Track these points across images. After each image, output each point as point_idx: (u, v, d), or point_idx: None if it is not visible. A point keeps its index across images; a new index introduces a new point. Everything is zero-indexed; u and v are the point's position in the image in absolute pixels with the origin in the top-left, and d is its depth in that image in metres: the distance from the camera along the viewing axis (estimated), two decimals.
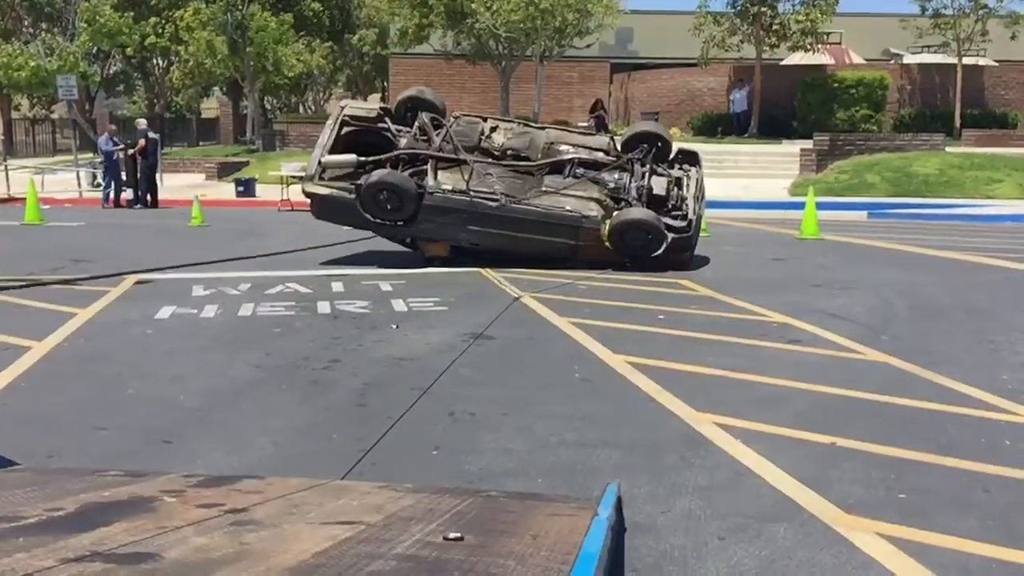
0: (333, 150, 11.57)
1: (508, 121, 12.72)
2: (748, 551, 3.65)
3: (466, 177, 11.20)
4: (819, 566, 3.53)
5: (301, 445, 4.97)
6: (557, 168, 11.37)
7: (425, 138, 11.63)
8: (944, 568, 3.50)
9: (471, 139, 11.68)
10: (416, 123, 11.74)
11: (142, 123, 23.68)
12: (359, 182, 11.06)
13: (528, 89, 31.17)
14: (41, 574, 1.55)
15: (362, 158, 11.43)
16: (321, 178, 11.43)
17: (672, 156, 11.83)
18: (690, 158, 11.97)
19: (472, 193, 10.95)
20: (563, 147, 11.64)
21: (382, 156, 11.43)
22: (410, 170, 11.32)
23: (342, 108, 12.25)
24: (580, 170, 11.36)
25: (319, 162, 11.48)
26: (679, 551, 3.65)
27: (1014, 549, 3.67)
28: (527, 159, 11.46)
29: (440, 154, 11.34)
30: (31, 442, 4.84)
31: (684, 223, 11.08)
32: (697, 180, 11.54)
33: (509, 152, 11.52)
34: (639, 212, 10.75)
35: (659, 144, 11.67)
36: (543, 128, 12.34)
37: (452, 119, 11.85)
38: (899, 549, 3.66)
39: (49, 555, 1.64)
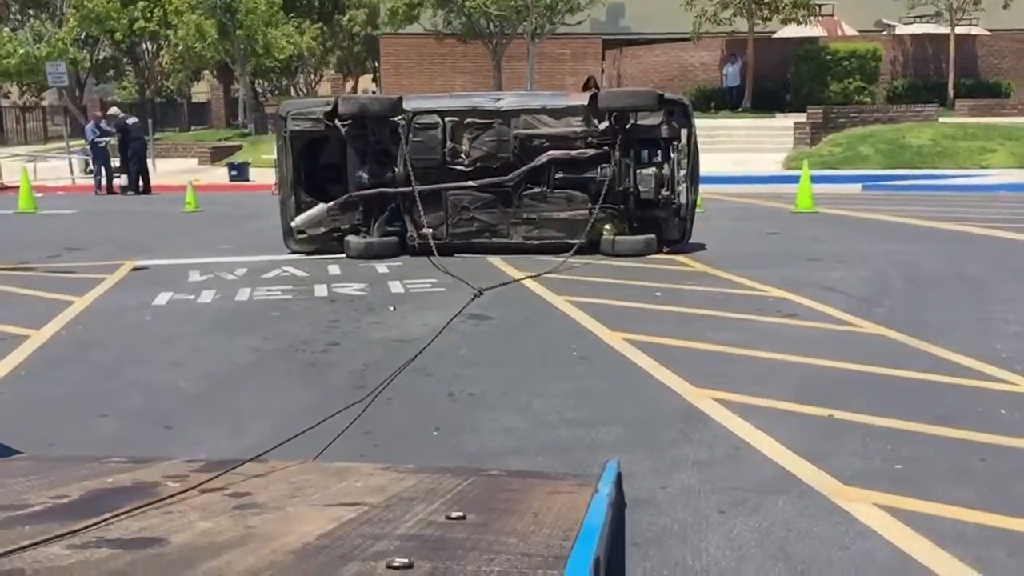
0: (295, 171, 11.03)
1: (461, 99, 11.50)
2: (747, 524, 3.68)
3: (444, 214, 10.77)
4: (817, 537, 3.57)
5: (301, 428, 4.98)
6: (534, 174, 10.75)
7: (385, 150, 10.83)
8: (941, 536, 3.54)
9: (434, 154, 10.73)
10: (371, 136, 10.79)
11: (115, 110, 23.51)
12: (346, 239, 10.85)
13: (520, 67, 31.05)
14: (48, 561, 1.57)
15: (329, 203, 10.87)
16: (301, 232, 11.04)
17: (660, 109, 10.54)
18: (679, 114, 10.64)
19: (455, 243, 10.74)
20: (534, 141, 10.71)
21: (353, 194, 10.80)
22: (386, 215, 10.85)
23: (284, 120, 11.02)
24: (559, 174, 10.72)
25: (292, 227, 11.02)
26: (679, 525, 3.68)
27: (1011, 517, 3.71)
28: (500, 166, 10.71)
29: (412, 188, 10.49)
30: (32, 430, 4.86)
31: (678, 233, 10.75)
32: (689, 151, 10.57)
33: (478, 165, 10.75)
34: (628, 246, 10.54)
35: (639, 112, 10.60)
36: (500, 100, 11.09)
37: (403, 121, 10.70)
38: (896, 519, 3.70)
39: (55, 542, 1.66)
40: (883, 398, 5.29)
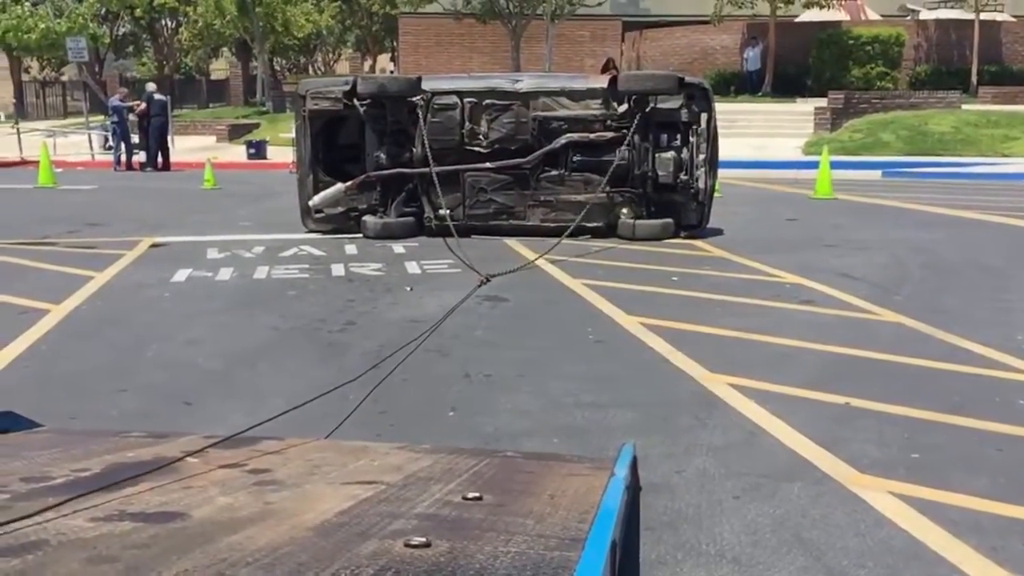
0: (314, 151, 11.07)
1: (480, 80, 11.56)
2: (762, 510, 3.68)
3: (461, 195, 10.77)
4: (832, 524, 3.57)
5: (319, 406, 5.00)
6: (552, 157, 10.73)
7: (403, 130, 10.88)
8: (956, 525, 3.53)
9: (453, 135, 10.74)
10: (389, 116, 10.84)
11: (151, 86, 23.62)
12: (363, 219, 10.88)
13: (539, 48, 30.89)
14: (72, 533, 1.59)
15: (347, 183, 10.84)
16: (319, 211, 11.06)
17: (680, 92, 10.53)
18: (700, 99, 10.62)
19: (472, 224, 10.72)
20: (553, 123, 10.71)
21: (371, 174, 10.82)
22: (403, 196, 10.88)
23: (303, 99, 11.07)
24: (577, 157, 10.69)
25: (310, 206, 11.04)
26: (694, 510, 3.69)
27: None
28: (518, 148, 10.71)
29: (430, 169, 10.33)
30: (53, 404, 4.91)
31: (696, 217, 10.69)
32: (708, 135, 10.56)
33: (496, 147, 10.75)
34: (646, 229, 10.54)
35: (658, 96, 10.57)
36: (519, 82, 11.07)
37: (422, 101, 10.71)
38: (911, 507, 3.69)
39: (78, 515, 1.68)
40: (900, 386, 5.27)
